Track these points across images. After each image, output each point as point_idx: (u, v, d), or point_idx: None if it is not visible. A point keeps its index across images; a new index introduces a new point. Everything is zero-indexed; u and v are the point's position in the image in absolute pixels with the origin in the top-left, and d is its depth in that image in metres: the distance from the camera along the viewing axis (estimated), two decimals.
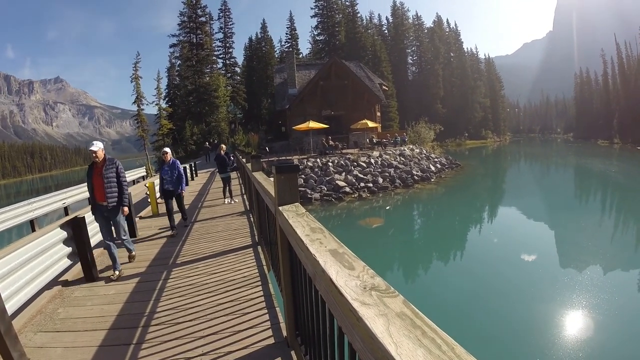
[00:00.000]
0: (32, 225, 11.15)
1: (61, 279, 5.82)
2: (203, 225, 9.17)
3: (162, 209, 10.92)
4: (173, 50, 62.41)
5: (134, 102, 48.14)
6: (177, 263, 6.20)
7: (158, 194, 12.03)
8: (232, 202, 12.19)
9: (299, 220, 2.32)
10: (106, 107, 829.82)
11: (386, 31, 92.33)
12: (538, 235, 17.21)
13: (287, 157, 29.84)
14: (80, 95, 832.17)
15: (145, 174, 28.14)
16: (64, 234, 5.70)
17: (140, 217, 11.08)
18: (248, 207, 10.52)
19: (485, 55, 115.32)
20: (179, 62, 61.70)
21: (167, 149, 9.08)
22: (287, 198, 2.91)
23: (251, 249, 6.45)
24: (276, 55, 71.93)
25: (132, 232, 8.25)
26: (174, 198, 9.05)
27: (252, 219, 8.58)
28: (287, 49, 69.78)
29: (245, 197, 12.86)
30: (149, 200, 11.91)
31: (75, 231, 5.82)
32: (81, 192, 14.56)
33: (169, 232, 8.51)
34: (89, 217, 6.15)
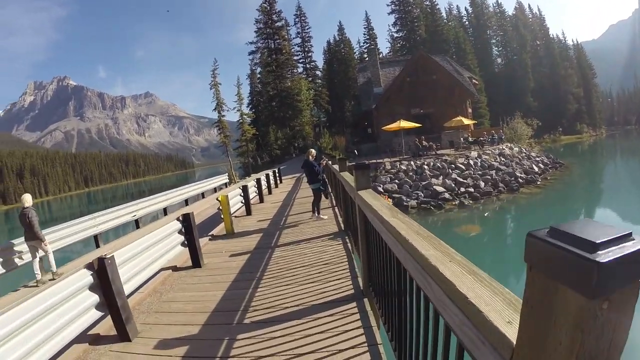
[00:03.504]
0: (96, 241, 11.08)
1: (172, 264, 6.94)
2: (285, 252, 7.06)
3: (239, 227, 10.31)
4: (252, 58, 64.16)
5: (215, 109, 50.38)
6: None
7: (235, 208, 11.54)
8: (319, 217, 9.78)
9: (375, 197, 3.60)
10: (194, 117, 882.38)
11: (467, 22, 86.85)
12: None
13: (378, 160, 26.47)
14: (169, 107, 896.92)
15: (227, 180, 27.49)
16: (178, 225, 6.80)
17: (213, 237, 9.58)
18: (343, 226, 8.19)
19: (573, 40, 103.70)
20: (259, 69, 63.42)
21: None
22: (363, 185, 4.20)
23: (348, 271, 5.39)
24: (356, 57, 71.39)
25: (196, 260, 6.94)
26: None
27: (349, 245, 6.74)
28: (366, 49, 69.72)
29: (337, 210, 10.62)
30: (222, 216, 9.98)
31: (186, 224, 6.87)
32: (151, 204, 15.02)
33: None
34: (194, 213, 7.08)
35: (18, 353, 3.15)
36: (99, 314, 4.33)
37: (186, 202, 18.77)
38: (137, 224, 13.74)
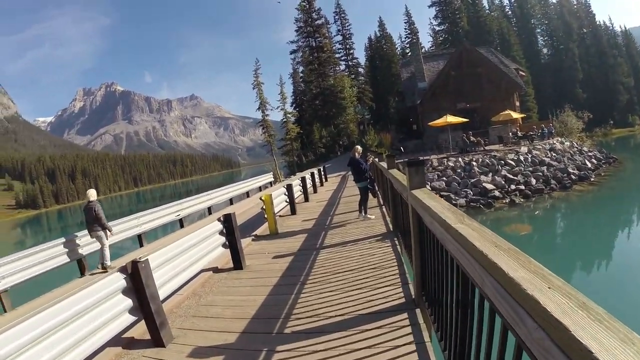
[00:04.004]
0: (140, 240, 11.36)
1: (213, 266, 6.81)
2: (331, 254, 6.72)
3: (283, 227, 10.11)
4: (294, 57, 64.52)
5: (258, 109, 51.42)
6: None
7: (279, 208, 11.43)
8: (367, 217, 9.35)
9: (432, 197, 3.13)
10: (239, 117, 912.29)
11: (510, 12, 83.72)
12: None
13: (424, 157, 25.65)
14: (214, 109, 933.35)
15: (272, 179, 27.39)
16: (219, 226, 6.68)
17: (256, 237, 9.43)
18: (392, 226, 7.76)
19: (620, 27, 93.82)
20: (301, 67, 63.71)
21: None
22: (417, 184, 3.79)
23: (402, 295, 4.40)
24: (398, 52, 70.41)
25: (238, 262, 6.79)
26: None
27: (399, 247, 6.32)
28: (408, 44, 68.92)
29: (385, 209, 10.13)
30: (266, 216, 9.78)
31: (227, 225, 6.73)
32: (195, 203, 15.19)
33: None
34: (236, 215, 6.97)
35: (51, 354, 3.17)
36: (132, 318, 4.21)
37: (231, 201, 18.79)
38: (181, 223, 13.86)
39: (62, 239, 8.77)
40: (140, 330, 4.43)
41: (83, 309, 3.65)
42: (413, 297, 4.20)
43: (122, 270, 4.17)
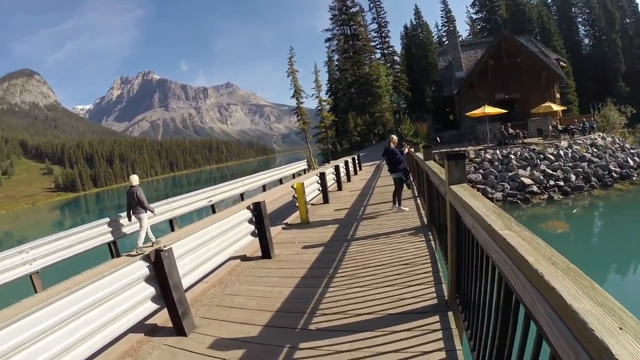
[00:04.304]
0: (171, 225, 11.51)
1: (241, 254, 6.76)
2: (362, 247, 6.49)
3: (314, 216, 10.02)
4: (329, 45, 63.81)
5: (293, 96, 50.98)
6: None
7: (312, 196, 11.41)
8: (400, 209, 9.09)
9: (473, 195, 2.82)
10: (274, 105, 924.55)
11: (549, 0, 78.07)
12: None
13: (461, 149, 25.46)
14: (250, 96, 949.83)
15: (306, 166, 26.93)
16: (248, 215, 6.61)
17: (287, 225, 9.45)
18: (426, 220, 7.50)
19: None
20: (336, 56, 63.16)
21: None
22: (457, 178, 3.47)
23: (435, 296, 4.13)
24: (434, 41, 68.59)
25: (266, 251, 6.71)
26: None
27: (433, 243, 6.05)
28: (444, 33, 67.07)
29: (419, 201, 9.85)
30: (297, 204, 9.71)
31: (256, 213, 6.65)
32: (227, 189, 15.15)
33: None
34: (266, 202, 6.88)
35: (74, 337, 3.26)
36: (155, 306, 4.18)
37: (264, 187, 18.77)
38: (213, 209, 13.89)
39: (94, 223, 9.07)
40: (164, 318, 4.40)
41: (106, 295, 3.66)
42: (446, 298, 3.97)
43: (146, 258, 4.14)
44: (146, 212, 9.13)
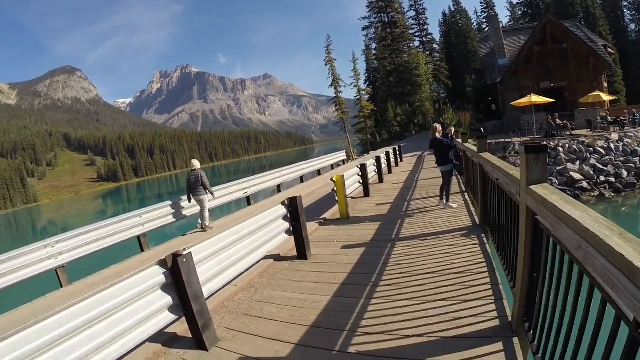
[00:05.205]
0: (248, 200, 12.19)
1: (274, 253, 6.31)
2: (408, 249, 5.88)
3: (355, 211, 9.55)
4: (366, 33, 62.91)
5: (331, 85, 50.31)
6: None
7: (352, 189, 10.98)
8: (448, 205, 8.41)
9: (569, 202, 2.13)
10: (312, 95, 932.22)
11: None
12: None
13: (506, 140, 25.07)
14: (287, 87, 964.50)
15: (345, 157, 26.48)
16: (283, 211, 6.19)
17: (325, 220, 8.93)
18: (477, 218, 6.89)
19: None
20: (374, 44, 62.09)
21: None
22: (536, 177, 2.75)
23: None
24: (474, 28, 66.04)
25: (302, 251, 6.27)
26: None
27: (488, 247, 5.40)
28: (484, 19, 64.41)
29: (467, 196, 9.22)
30: (336, 198, 9.16)
31: (292, 209, 6.22)
32: (264, 181, 14.92)
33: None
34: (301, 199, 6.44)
35: (86, 349, 2.96)
36: (172, 317, 3.75)
37: (301, 179, 18.44)
38: (248, 201, 13.66)
39: (123, 217, 9.09)
40: (185, 326, 3.97)
41: (115, 306, 3.28)
42: (509, 319, 3.30)
43: (162, 263, 3.69)
44: (207, 194, 9.94)
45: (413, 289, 4.33)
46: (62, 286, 7.22)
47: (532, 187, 2.60)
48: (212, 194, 10.19)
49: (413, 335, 3.33)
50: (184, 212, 10.58)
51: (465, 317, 3.48)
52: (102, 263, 8.12)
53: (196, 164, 10.20)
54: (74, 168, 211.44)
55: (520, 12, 66.99)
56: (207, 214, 10.01)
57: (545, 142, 21.83)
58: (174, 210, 10.28)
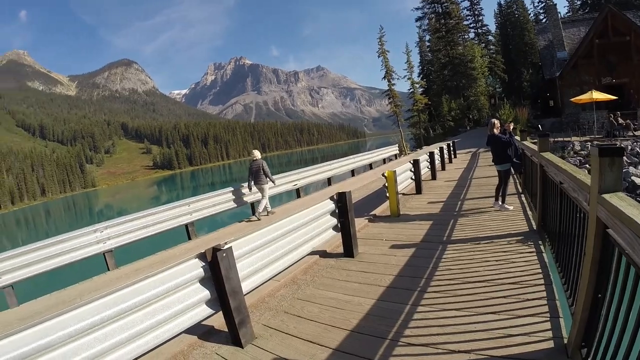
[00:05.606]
0: (252, 209, 11.55)
1: (321, 249, 6.17)
2: (459, 253, 5.55)
3: (405, 208, 9.26)
4: (420, 24, 61.43)
5: (384, 78, 49.70)
6: None
7: (403, 185, 10.64)
8: (504, 207, 7.97)
9: None
10: (365, 88, 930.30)
11: None
12: None
13: (565, 139, 23.40)
14: (340, 80, 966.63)
15: (398, 152, 26.41)
16: (331, 206, 6.04)
17: (374, 217, 8.71)
18: (535, 223, 6.39)
19: None
20: (427, 36, 60.57)
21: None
22: (610, 184, 2.38)
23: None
24: (531, 19, 62.45)
25: (349, 248, 6.09)
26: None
27: (546, 257, 4.94)
28: (542, 9, 61.07)
29: (523, 198, 8.74)
30: (387, 194, 8.91)
31: (340, 204, 6.03)
32: (314, 173, 14.79)
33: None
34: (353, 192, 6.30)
35: (119, 338, 3.01)
36: (210, 311, 3.72)
37: (352, 172, 18.22)
38: (297, 193, 13.65)
39: (171, 205, 9.31)
40: (222, 320, 3.90)
41: (150, 298, 3.27)
42: (565, 342, 2.96)
43: (201, 257, 3.65)
44: (268, 182, 10.50)
45: (462, 298, 4.06)
46: (109, 269, 7.56)
47: (605, 196, 2.26)
48: (273, 182, 10.77)
49: (459, 351, 3.08)
50: (233, 202, 10.73)
51: (516, 335, 3.18)
52: (150, 248, 8.47)
53: (257, 154, 10.72)
54: (131, 156, 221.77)
55: (579, 2, 62.74)
56: (264, 202, 10.52)
57: (609, 143, 20.64)
58: (222, 200, 10.44)
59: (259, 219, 10.21)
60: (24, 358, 2.53)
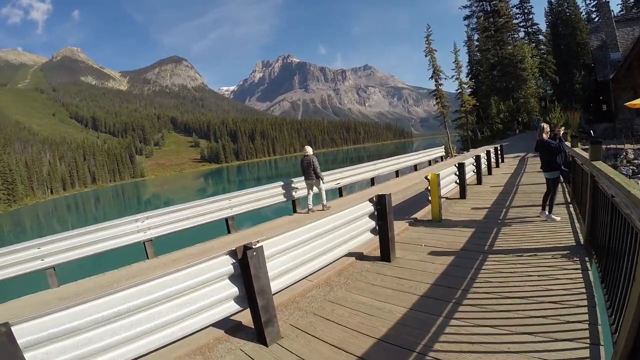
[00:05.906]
0: (293, 206, 11.74)
1: (357, 250, 6.10)
2: (500, 265, 5.30)
3: (448, 213, 9.03)
4: (468, 23, 59.66)
5: (431, 77, 49.21)
6: None
7: (447, 189, 10.34)
8: (550, 218, 7.54)
9: None
10: (413, 88, 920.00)
11: None
12: None
13: (617, 146, 22.15)
14: (388, 79, 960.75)
15: (444, 154, 25.72)
16: (370, 208, 5.95)
17: (415, 220, 8.56)
18: (582, 237, 6.05)
19: None
20: (476, 35, 58.99)
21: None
22: None
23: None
24: (583, 17, 59.10)
25: (386, 253, 5.98)
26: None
27: (591, 275, 4.67)
28: (594, 7, 57.54)
29: (572, 209, 8.30)
30: (429, 198, 8.68)
31: (380, 207, 5.92)
32: (357, 172, 14.67)
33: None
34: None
35: (145, 327, 3.15)
36: (237, 307, 3.77)
37: (397, 173, 17.93)
38: (340, 192, 13.62)
39: (212, 199, 9.41)
40: (250, 317, 3.94)
41: (178, 291, 3.36)
42: None
43: (232, 254, 3.70)
44: (317, 178, 10.62)
45: (499, 314, 3.85)
46: (148, 258, 7.87)
47: None
48: (321, 178, 10.74)
49: None
50: (274, 198, 10.79)
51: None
52: (191, 239, 8.74)
53: (309, 150, 10.93)
54: (179, 148, 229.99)
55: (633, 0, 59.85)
56: (324, 194, 10.93)
57: (613, 147, 19.47)
58: (262, 196, 10.48)
59: (314, 211, 10.76)
60: (51, 338, 2.66)
